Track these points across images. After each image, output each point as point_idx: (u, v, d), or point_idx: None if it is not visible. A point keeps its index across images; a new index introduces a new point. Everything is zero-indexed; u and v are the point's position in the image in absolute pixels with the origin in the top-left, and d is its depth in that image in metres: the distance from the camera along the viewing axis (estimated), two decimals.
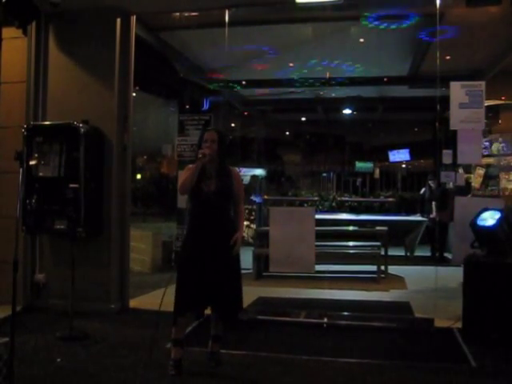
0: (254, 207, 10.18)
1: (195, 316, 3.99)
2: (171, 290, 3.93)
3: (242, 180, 4.43)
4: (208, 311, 3.99)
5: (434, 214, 9.21)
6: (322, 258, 6.61)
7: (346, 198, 13.01)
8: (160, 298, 3.88)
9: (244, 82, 10.21)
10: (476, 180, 8.91)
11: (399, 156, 14.91)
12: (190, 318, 4.04)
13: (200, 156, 3.82)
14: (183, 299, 3.82)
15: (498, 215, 4.82)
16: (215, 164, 3.91)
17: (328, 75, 9.00)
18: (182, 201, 4.37)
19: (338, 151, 17.66)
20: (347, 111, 12.99)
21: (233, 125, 12.84)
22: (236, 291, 3.93)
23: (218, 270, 3.79)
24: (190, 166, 3.93)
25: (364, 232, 8.86)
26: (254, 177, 11.96)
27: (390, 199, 12.66)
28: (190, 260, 3.84)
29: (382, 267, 7.74)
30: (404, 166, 15.75)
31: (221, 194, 3.86)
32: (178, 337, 3.89)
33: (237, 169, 4.22)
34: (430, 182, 10.05)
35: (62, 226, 5.37)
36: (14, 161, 3.61)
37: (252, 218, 10.22)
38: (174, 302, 3.84)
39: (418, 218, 10.16)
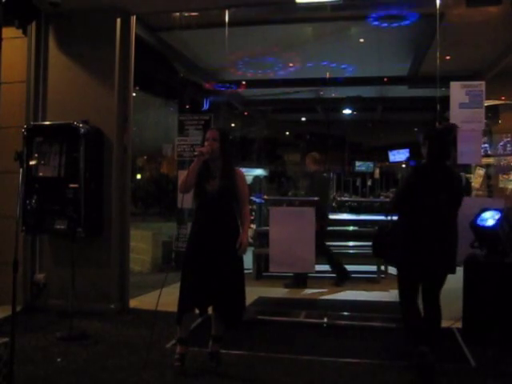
0: (254, 207, 10.17)
1: (199, 314, 3.99)
2: (170, 290, 3.94)
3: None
4: (209, 311, 3.99)
5: None
6: (322, 258, 6.60)
7: (346, 198, 13.00)
8: (160, 299, 3.88)
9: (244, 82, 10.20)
10: (476, 180, 8.90)
11: (399, 156, 14.90)
12: (192, 317, 4.03)
13: (197, 153, 3.83)
14: (186, 298, 3.82)
15: (497, 215, 4.82)
16: (219, 163, 3.90)
17: (328, 75, 8.99)
18: (181, 201, 4.35)
19: (338, 151, 17.66)
20: (347, 111, 12.98)
21: (233, 125, 12.84)
22: (238, 291, 3.92)
23: (220, 269, 3.79)
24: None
25: (364, 232, 8.85)
26: (255, 177, 11.97)
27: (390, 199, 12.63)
28: (194, 259, 3.85)
29: (382, 267, 7.73)
30: (404, 165, 15.75)
31: (224, 194, 3.85)
32: (182, 335, 3.90)
33: (242, 170, 4.21)
34: None
35: (62, 226, 5.37)
36: (14, 161, 3.61)
37: (252, 218, 10.20)
38: (178, 300, 3.85)
39: None
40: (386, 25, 6.74)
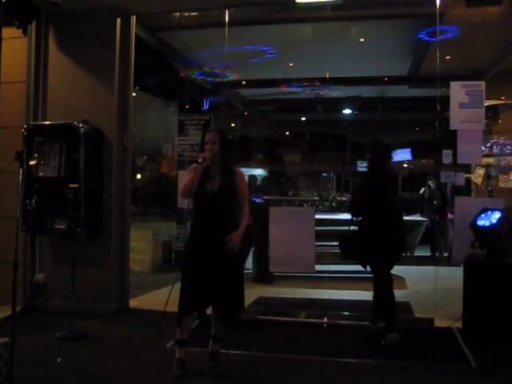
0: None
1: (197, 316, 3.99)
2: (173, 290, 3.93)
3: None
4: (209, 311, 3.99)
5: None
6: (322, 258, 6.61)
7: (346, 198, 12.97)
8: (160, 298, 3.89)
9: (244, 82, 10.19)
10: (476, 180, 8.89)
11: (400, 155, 14.84)
12: (193, 318, 4.03)
13: (200, 160, 3.84)
14: (187, 300, 3.81)
15: (498, 215, 4.82)
16: (218, 164, 3.90)
17: (328, 75, 9.00)
18: (182, 201, 4.37)
19: (338, 151, 17.63)
20: (347, 111, 12.97)
21: (233, 125, 12.82)
22: (237, 292, 3.92)
23: (219, 270, 3.78)
24: (194, 165, 3.92)
25: None
26: (251, 176, 11.94)
27: None
28: (193, 260, 3.84)
29: None
30: (406, 165, 15.73)
31: (223, 194, 3.85)
32: (182, 337, 3.90)
33: (241, 169, 4.20)
34: (429, 182, 10.04)
35: (62, 226, 5.38)
36: (14, 161, 3.61)
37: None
38: (179, 302, 3.84)
39: (417, 217, 10.14)
40: (385, 25, 6.74)
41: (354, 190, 4.91)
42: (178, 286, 3.89)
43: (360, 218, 4.84)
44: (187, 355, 3.90)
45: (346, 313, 5.58)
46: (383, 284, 4.68)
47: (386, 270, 4.70)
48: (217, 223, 3.84)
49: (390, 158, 4.93)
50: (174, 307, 3.89)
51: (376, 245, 4.59)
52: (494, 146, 8.36)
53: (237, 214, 3.98)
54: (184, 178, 3.97)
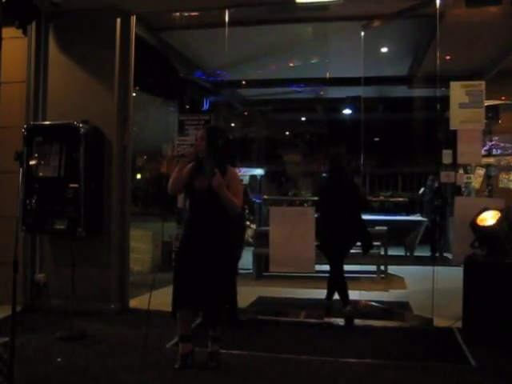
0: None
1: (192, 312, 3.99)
2: (169, 290, 3.94)
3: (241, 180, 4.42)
4: None
5: None
6: (322, 257, 6.60)
7: None
8: (160, 299, 3.89)
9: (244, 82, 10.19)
10: (476, 180, 8.89)
11: None
12: (191, 314, 4.02)
13: (180, 155, 3.88)
14: (177, 295, 3.84)
15: (498, 215, 4.82)
16: (208, 161, 3.89)
17: (328, 75, 8.99)
18: (182, 201, 4.37)
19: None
20: (347, 111, 12.97)
21: (233, 125, 12.83)
22: (224, 292, 3.89)
23: (207, 268, 3.78)
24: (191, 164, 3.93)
25: None
26: (252, 177, 11.95)
27: (401, 199, 12.78)
28: (184, 257, 3.89)
29: (382, 267, 7.74)
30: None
31: (213, 192, 3.81)
32: (183, 332, 3.91)
33: (236, 169, 4.19)
34: (429, 182, 10.05)
35: (62, 226, 5.38)
36: (14, 161, 3.61)
37: (252, 217, 10.20)
38: (172, 297, 3.86)
39: (417, 217, 10.17)
40: (385, 25, 6.73)
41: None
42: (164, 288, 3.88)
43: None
44: (192, 350, 3.92)
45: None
46: (337, 270, 5.49)
47: (338, 258, 5.51)
48: (206, 221, 3.84)
49: (342, 162, 5.57)
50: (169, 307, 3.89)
51: (329, 236, 5.43)
52: (494, 149, 8.36)
53: (228, 213, 3.96)
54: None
